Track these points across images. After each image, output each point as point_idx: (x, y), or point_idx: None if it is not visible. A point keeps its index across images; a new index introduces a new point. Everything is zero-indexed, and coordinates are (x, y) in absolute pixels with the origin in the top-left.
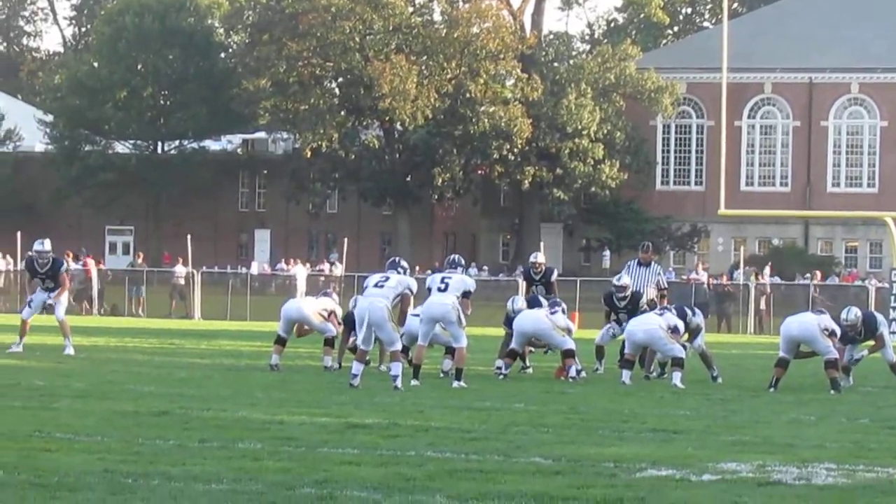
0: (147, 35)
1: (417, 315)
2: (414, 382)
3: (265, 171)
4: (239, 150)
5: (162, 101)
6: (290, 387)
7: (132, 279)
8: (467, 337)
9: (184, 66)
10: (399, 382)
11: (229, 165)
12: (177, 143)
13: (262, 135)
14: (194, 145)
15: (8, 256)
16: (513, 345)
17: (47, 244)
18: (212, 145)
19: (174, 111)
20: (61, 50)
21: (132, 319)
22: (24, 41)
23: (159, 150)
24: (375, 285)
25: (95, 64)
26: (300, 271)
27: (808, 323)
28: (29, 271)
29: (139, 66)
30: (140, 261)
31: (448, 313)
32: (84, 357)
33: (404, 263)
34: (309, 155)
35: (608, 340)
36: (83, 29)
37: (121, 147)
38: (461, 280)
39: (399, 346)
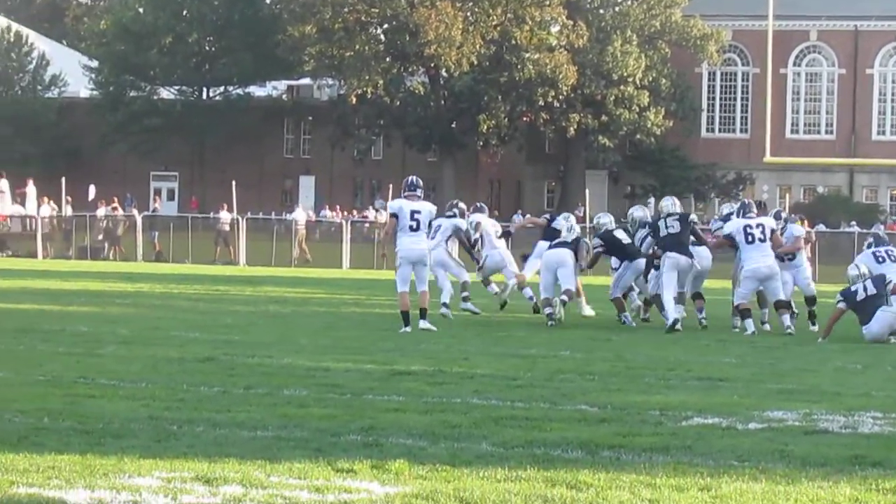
0: None
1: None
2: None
3: (310, 118)
4: (284, 97)
5: (207, 47)
6: (335, 333)
7: (156, 224)
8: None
9: (229, 11)
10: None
11: (274, 112)
12: (222, 89)
13: (307, 81)
14: (239, 91)
15: (52, 203)
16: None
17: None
18: (257, 91)
19: (219, 57)
20: None
21: (177, 266)
22: None
23: (204, 96)
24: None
25: (141, 10)
26: (299, 215)
27: None
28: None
29: (184, 12)
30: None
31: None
32: (129, 303)
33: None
34: (354, 101)
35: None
36: None
37: (166, 93)
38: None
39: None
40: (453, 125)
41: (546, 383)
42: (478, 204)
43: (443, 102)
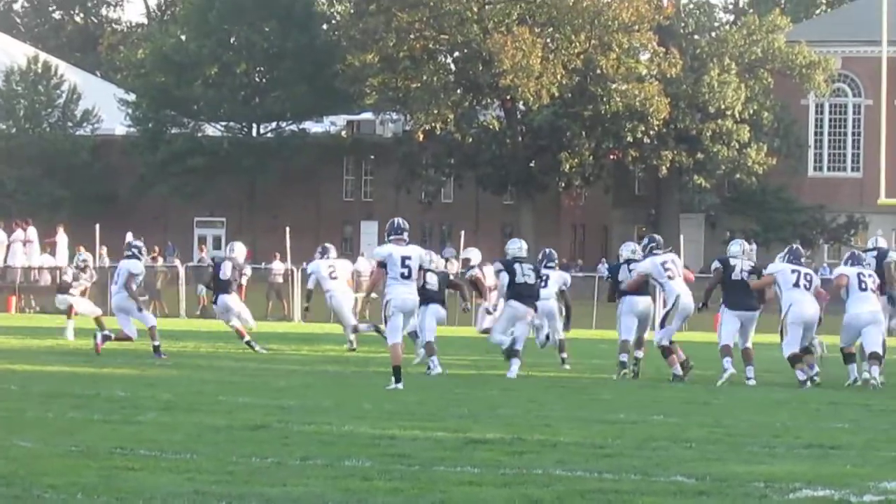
0: (241, 5)
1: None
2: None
3: (372, 157)
4: (343, 133)
5: (257, 79)
6: (401, 397)
7: (202, 276)
8: None
9: (282, 39)
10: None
11: (332, 150)
12: (274, 125)
13: (368, 116)
14: (293, 128)
15: (85, 251)
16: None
17: None
18: (313, 127)
19: (271, 90)
20: (145, 21)
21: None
22: (104, 11)
23: (254, 133)
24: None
25: (183, 37)
26: (362, 265)
27: None
28: None
29: (232, 40)
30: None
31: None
32: (171, 364)
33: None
34: (421, 138)
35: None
36: None
37: (211, 129)
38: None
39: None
40: (532, 164)
41: (637, 452)
42: (547, 251)
43: (520, 139)
